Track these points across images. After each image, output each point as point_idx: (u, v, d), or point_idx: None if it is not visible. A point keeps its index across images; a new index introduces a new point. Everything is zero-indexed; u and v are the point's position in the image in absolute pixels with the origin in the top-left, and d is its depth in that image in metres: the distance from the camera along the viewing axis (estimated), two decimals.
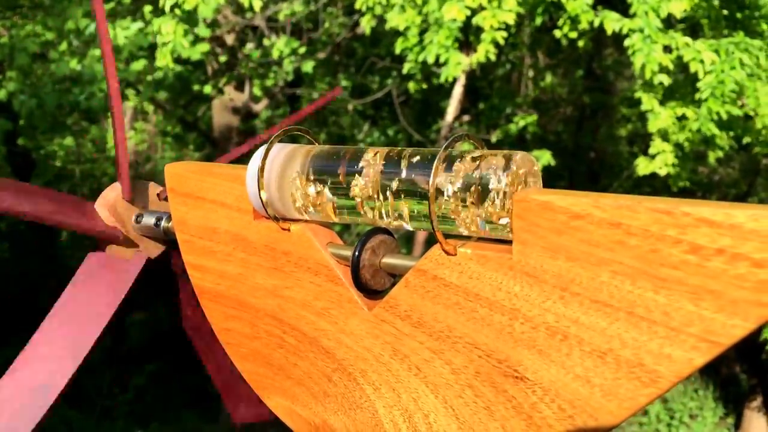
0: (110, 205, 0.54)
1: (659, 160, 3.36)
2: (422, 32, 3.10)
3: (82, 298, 0.53)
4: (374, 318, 0.40)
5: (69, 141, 6.09)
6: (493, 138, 4.31)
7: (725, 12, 3.19)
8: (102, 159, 6.49)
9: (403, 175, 0.38)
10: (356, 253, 0.40)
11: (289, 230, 0.43)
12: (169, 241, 0.54)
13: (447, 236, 0.37)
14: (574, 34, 3.11)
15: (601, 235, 0.31)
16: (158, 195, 0.56)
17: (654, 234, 0.30)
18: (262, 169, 0.42)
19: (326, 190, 0.41)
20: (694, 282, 0.29)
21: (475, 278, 0.36)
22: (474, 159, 0.36)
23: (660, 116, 3.11)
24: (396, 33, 3.28)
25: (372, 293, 0.41)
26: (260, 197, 0.42)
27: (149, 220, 0.53)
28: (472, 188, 0.35)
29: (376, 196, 0.39)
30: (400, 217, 0.39)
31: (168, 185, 0.48)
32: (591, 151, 6.43)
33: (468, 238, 0.38)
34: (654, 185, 5.99)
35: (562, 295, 0.33)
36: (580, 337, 0.33)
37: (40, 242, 5.66)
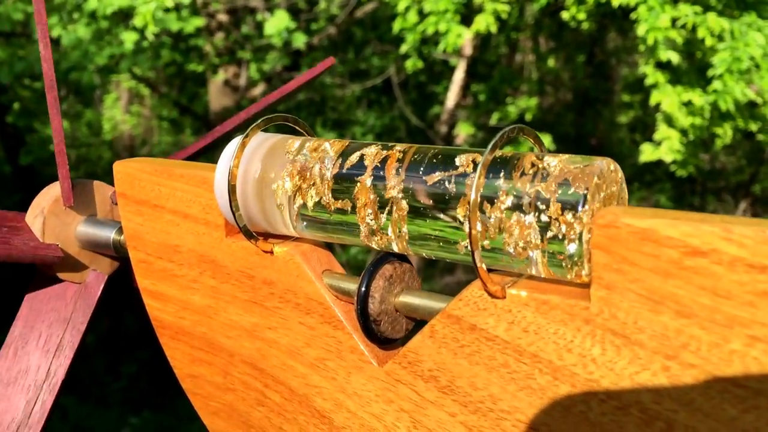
0: (46, 214, 0.43)
1: (665, 147, 3.27)
2: (421, 13, 2.99)
3: (31, 350, 0.43)
4: (386, 376, 0.30)
5: (64, 125, 5.99)
6: (492, 120, 4.21)
7: None
8: (98, 143, 6.40)
9: (428, 183, 0.27)
10: (363, 288, 0.30)
11: (271, 252, 0.32)
12: (123, 257, 0.43)
13: (489, 270, 0.27)
14: (581, 15, 2.99)
15: (735, 282, 0.21)
16: (111, 197, 0.45)
17: None
18: (235, 170, 0.31)
19: (320, 200, 0.30)
20: None
21: (533, 332, 0.25)
22: (534, 164, 0.25)
23: (666, 90, 3.00)
24: (394, 17, 3.17)
25: (383, 341, 0.30)
26: (232, 207, 0.31)
27: (97, 231, 0.43)
28: (531, 205, 0.25)
29: (387, 210, 0.28)
30: (421, 241, 0.28)
31: (118, 189, 0.37)
32: (592, 138, 6.32)
33: (519, 274, 0.27)
34: (655, 172, 5.90)
35: (667, 366, 0.23)
36: (694, 428, 0.22)
37: None
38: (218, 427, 0.36)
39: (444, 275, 4.57)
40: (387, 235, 0.29)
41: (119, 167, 0.37)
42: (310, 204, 0.30)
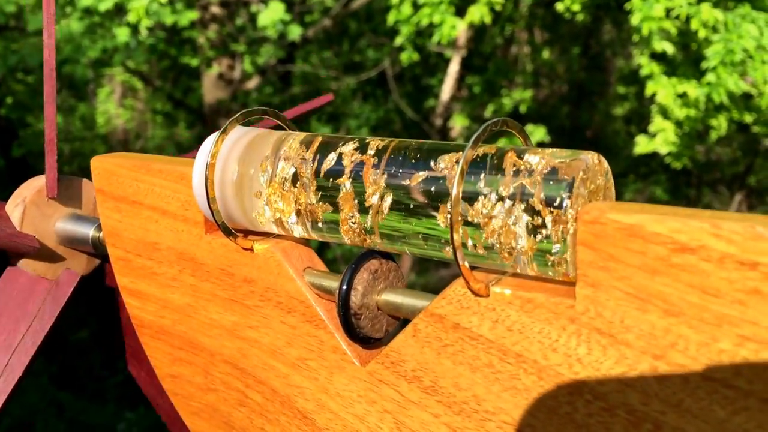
0: (27, 204, 0.41)
1: (660, 139, 3.26)
2: (416, 5, 2.98)
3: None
4: (369, 376, 0.29)
5: (57, 119, 5.96)
6: (487, 112, 4.20)
7: None
8: (91, 137, 6.38)
9: (410, 179, 0.27)
10: (344, 285, 0.29)
11: (251, 250, 0.32)
12: (102, 255, 0.42)
13: (473, 268, 0.26)
14: (576, 7, 2.98)
15: (724, 279, 0.20)
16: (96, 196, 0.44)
17: None
18: (212, 165, 0.30)
19: (301, 196, 0.29)
20: None
21: (517, 331, 0.25)
22: (517, 160, 0.25)
23: (661, 81, 2.99)
24: (388, 9, 3.16)
25: (366, 341, 0.30)
26: (209, 203, 0.30)
27: (76, 227, 0.42)
28: (515, 202, 0.24)
29: (369, 207, 0.28)
30: (405, 240, 0.27)
31: (96, 185, 0.37)
32: (588, 130, 6.31)
33: (503, 272, 0.26)
34: (650, 164, 5.89)
35: (655, 366, 0.22)
36: (682, 430, 0.22)
37: None
38: (199, 428, 0.36)
39: (439, 268, 4.56)
40: (371, 235, 0.28)
41: (97, 162, 0.36)
42: (297, 233, 0.30)
